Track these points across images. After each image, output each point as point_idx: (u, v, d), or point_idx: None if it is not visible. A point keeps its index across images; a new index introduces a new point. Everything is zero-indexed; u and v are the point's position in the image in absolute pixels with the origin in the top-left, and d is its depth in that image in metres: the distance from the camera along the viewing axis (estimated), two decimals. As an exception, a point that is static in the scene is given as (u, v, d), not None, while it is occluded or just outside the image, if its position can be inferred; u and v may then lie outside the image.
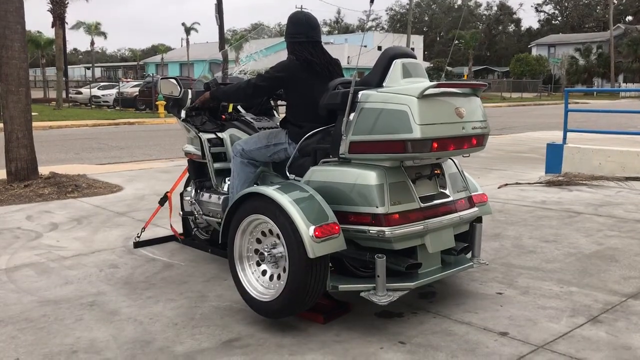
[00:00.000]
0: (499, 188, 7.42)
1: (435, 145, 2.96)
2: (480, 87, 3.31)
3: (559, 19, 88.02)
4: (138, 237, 4.83)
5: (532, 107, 36.26)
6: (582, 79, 56.03)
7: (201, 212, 4.31)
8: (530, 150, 11.79)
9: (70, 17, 65.05)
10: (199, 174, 4.42)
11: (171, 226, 4.81)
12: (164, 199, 4.86)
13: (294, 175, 3.54)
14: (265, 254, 3.22)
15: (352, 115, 3.13)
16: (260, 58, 4.75)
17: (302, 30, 3.65)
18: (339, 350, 2.93)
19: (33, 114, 8.19)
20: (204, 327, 3.21)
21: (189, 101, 4.29)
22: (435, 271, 3.29)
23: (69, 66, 41.83)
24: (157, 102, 24.32)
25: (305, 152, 3.50)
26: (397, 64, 3.18)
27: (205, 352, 2.93)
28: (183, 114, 4.33)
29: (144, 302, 3.60)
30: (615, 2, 68.08)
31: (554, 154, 8.67)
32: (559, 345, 2.99)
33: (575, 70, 56.42)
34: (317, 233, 2.90)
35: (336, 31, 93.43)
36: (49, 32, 37.26)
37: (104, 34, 53.13)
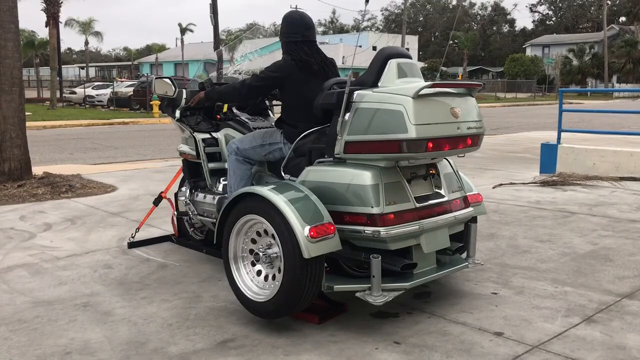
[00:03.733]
0: (493, 188, 7.43)
1: (431, 145, 2.96)
2: (475, 87, 3.31)
3: (553, 19, 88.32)
4: (132, 237, 4.81)
5: (527, 107, 36.36)
6: (576, 79, 56.22)
7: (196, 212, 4.29)
8: (524, 150, 11.82)
9: (65, 17, 64.58)
10: (193, 174, 4.41)
11: (172, 223, 4.78)
12: (159, 199, 4.85)
13: (289, 176, 3.53)
14: (260, 254, 3.21)
15: (347, 115, 3.12)
16: (255, 58, 4.74)
17: (297, 30, 3.64)
18: (334, 351, 2.92)
19: (27, 113, 8.16)
20: (199, 328, 3.20)
21: (183, 101, 4.27)
22: (431, 271, 3.29)
23: (63, 66, 41.66)
24: (151, 102, 24.26)
25: (301, 152, 3.49)
26: (392, 64, 3.17)
27: (200, 352, 2.91)
28: (177, 113, 4.31)
29: (138, 302, 3.58)
30: (609, 2, 68.38)
31: (548, 154, 8.70)
32: (554, 345, 2.99)
33: (570, 70, 56.61)
34: (312, 233, 2.90)
35: (331, 31, 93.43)
36: (43, 32, 37.10)
37: (100, 35, 52.72)
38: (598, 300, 3.61)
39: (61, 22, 30.00)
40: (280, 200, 3.02)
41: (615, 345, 2.99)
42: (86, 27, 50.45)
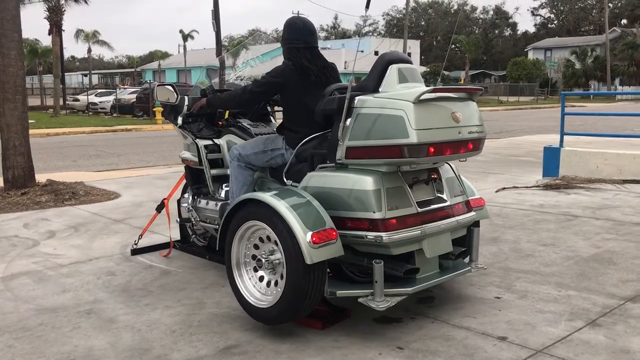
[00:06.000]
0: (496, 192, 7.42)
1: (432, 150, 2.96)
2: (476, 92, 3.32)
3: (555, 22, 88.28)
4: (135, 244, 4.81)
5: (529, 110, 36.32)
6: (579, 82, 56.15)
7: (198, 219, 4.30)
8: (527, 153, 11.80)
9: (67, 25, 64.96)
10: (196, 181, 4.41)
11: (170, 239, 4.78)
12: (161, 206, 4.85)
13: (291, 181, 3.54)
14: (263, 260, 3.22)
15: (348, 121, 3.13)
16: (257, 64, 4.75)
17: (299, 37, 3.65)
18: (338, 356, 2.92)
19: (30, 121, 8.19)
20: (202, 334, 3.20)
21: (185, 108, 4.28)
22: (433, 276, 3.28)
23: (66, 73, 41.82)
24: (154, 109, 24.31)
25: (302, 158, 3.50)
26: (393, 69, 3.18)
27: (203, 359, 2.91)
28: (180, 120, 4.33)
29: (141, 309, 3.58)
30: (611, 5, 68.37)
31: (551, 157, 8.68)
32: (558, 349, 2.98)
33: (572, 73, 56.54)
34: (314, 239, 2.90)
35: (333, 36, 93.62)
36: (46, 40, 37.30)
37: (107, 44, 52.81)
38: (602, 304, 3.60)
39: (64, 30, 30.12)
40: (282, 206, 3.02)
41: (619, 349, 2.98)
42: (89, 37, 50.61)
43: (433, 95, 3.01)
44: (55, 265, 4.51)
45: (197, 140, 4.24)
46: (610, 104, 42.43)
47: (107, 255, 4.76)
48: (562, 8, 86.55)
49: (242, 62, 4.93)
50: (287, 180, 3.57)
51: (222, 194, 4.20)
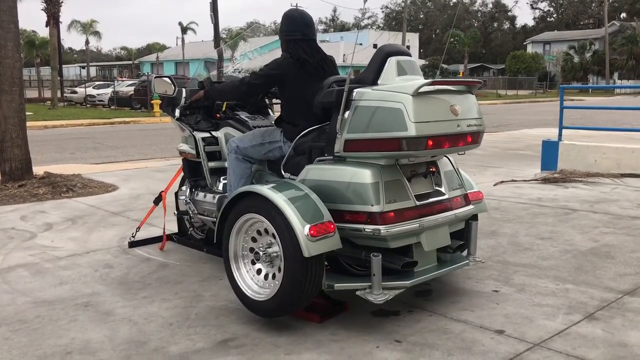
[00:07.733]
0: (494, 185, 7.42)
1: (430, 143, 2.95)
2: (475, 85, 3.30)
3: (554, 16, 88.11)
4: (133, 236, 4.80)
5: (528, 104, 36.31)
6: (577, 76, 56.09)
7: (196, 212, 4.29)
8: (525, 147, 11.80)
9: (65, 17, 64.61)
10: (193, 173, 4.40)
11: (164, 232, 4.76)
12: (159, 199, 4.84)
13: (289, 174, 3.52)
14: (261, 253, 3.21)
15: (347, 113, 3.11)
16: (255, 56, 4.73)
17: (296, 28, 3.63)
18: (335, 350, 2.92)
19: (28, 113, 8.16)
20: (199, 327, 3.19)
21: (183, 100, 4.26)
22: (431, 269, 3.28)
23: (63, 65, 41.67)
24: (152, 101, 24.24)
25: (301, 151, 3.49)
26: (391, 62, 3.17)
27: (201, 352, 2.91)
28: (177, 112, 4.30)
29: (138, 302, 3.58)
30: (610, -1, 68.20)
31: (549, 151, 8.68)
32: (555, 342, 2.98)
33: (571, 67, 56.46)
34: (312, 232, 2.89)
35: (332, 29, 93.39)
36: (44, 32, 37.18)
37: (98, 34, 52.72)
38: (599, 298, 3.60)
39: (61, 22, 30.02)
40: (280, 199, 3.01)
41: (617, 343, 2.98)
42: (87, 28, 50.41)
43: (432, 88, 2.99)
44: (52, 257, 4.50)
45: (195, 133, 4.23)
46: (609, 98, 42.43)
47: (105, 248, 4.75)
48: (561, 1, 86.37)
49: (240, 55, 4.91)
50: (285, 173, 3.56)
51: (220, 187, 4.19)
